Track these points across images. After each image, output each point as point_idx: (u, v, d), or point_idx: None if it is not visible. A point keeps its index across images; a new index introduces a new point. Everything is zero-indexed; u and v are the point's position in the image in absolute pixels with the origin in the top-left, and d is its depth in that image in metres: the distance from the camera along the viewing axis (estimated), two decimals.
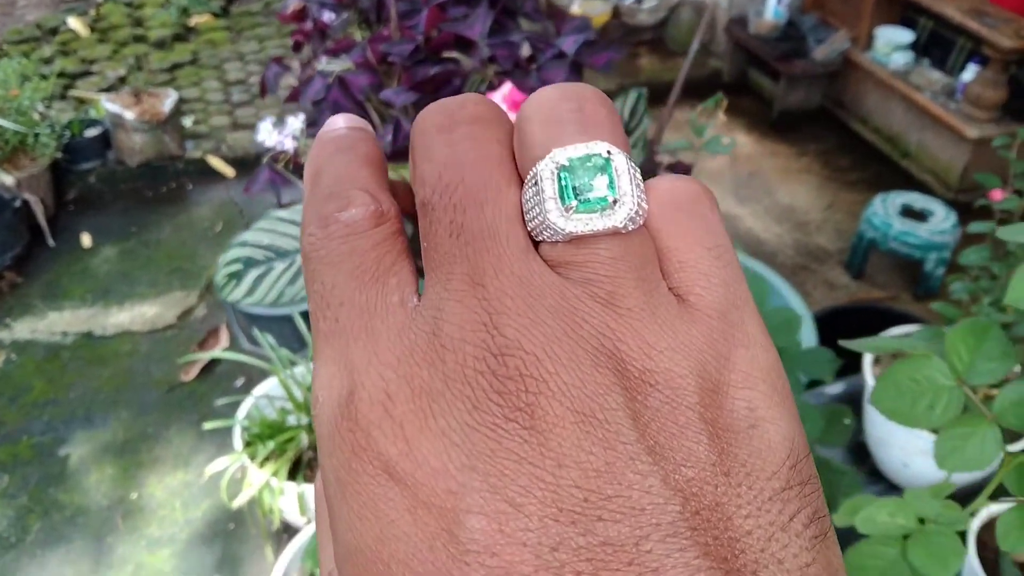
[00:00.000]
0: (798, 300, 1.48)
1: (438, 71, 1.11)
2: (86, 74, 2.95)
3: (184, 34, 3.25)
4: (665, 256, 0.17)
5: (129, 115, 2.27)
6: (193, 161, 2.41)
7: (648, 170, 1.24)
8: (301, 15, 1.51)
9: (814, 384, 1.22)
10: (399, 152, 1.16)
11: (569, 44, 1.21)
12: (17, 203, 2.08)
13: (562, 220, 0.16)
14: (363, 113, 1.23)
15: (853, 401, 1.24)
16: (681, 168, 1.47)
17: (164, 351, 1.83)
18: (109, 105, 2.29)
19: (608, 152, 0.17)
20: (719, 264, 0.17)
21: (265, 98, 1.48)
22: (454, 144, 0.17)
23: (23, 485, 1.59)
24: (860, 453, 1.17)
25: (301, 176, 1.32)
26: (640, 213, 0.17)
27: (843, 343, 0.41)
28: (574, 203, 0.16)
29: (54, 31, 3.27)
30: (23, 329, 1.92)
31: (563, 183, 0.16)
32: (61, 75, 2.84)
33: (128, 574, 1.42)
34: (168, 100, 2.36)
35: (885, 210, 1.91)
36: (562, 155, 0.16)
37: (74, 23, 3.28)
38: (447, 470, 0.14)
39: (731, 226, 2.21)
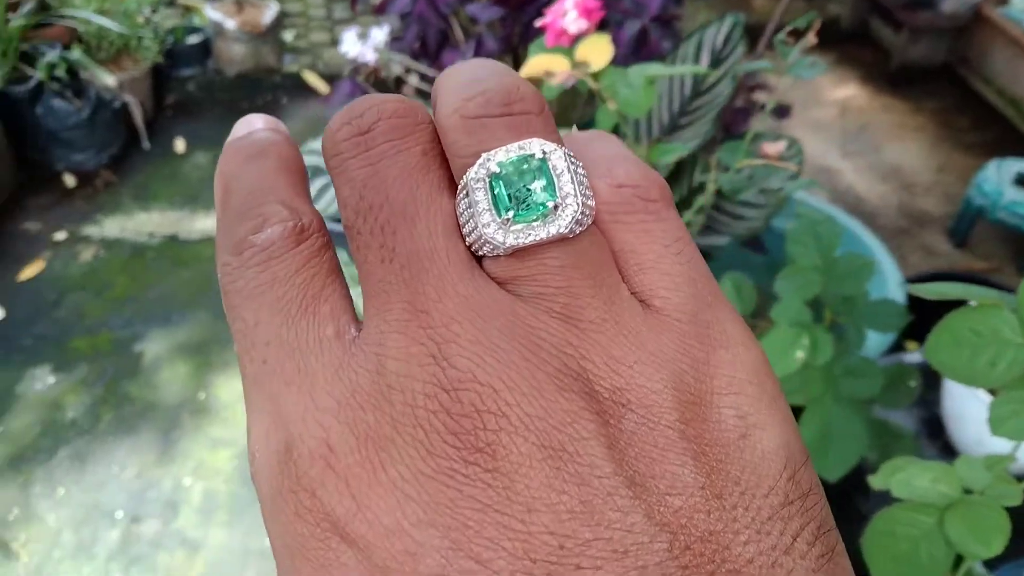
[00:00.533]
0: (892, 264, 1.40)
1: None
2: None
3: None
4: (621, 258, 0.15)
5: (230, 24, 2.29)
6: (290, 75, 2.42)
7: (743, 109, 1.18)
8: None
9: (893, 351, 1.15)
10: None
11: None
12: (117, 104, 2.13)
13: (501, 233, 0.14)
14: (447, 27, 1.20)
15: (934, 372, 1.16)
16: (783, 111, 1.39)
17: None
18: (212, 13, 2.31)
19: (543, 151, 0.15)
20: (681, 261, 0.15)
21: (356, 10, 1.46)
22: (372, 160, 0.15)
23: (99, 376, 1.66)
24: (935, 427, 1.10)
25: (382, 90, 1.30)
26: (587, 213, 0.15)
27: (911, 289, 0.37)
28: (511, 214, 0.14)
29: None
30: (113, 227, 1.99)
31: (496, 192, 0.15)
32: None
33: (189, 469, 1.47)
34: (268, 12, 2.37)
35: (998, 177, 1.77)
36: (492, 161, 0.15)
37: None
38: (402, 528, 0.12)
39: (830, 180, 2.10)
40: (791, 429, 0.15)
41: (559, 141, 0.16)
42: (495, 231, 0.14)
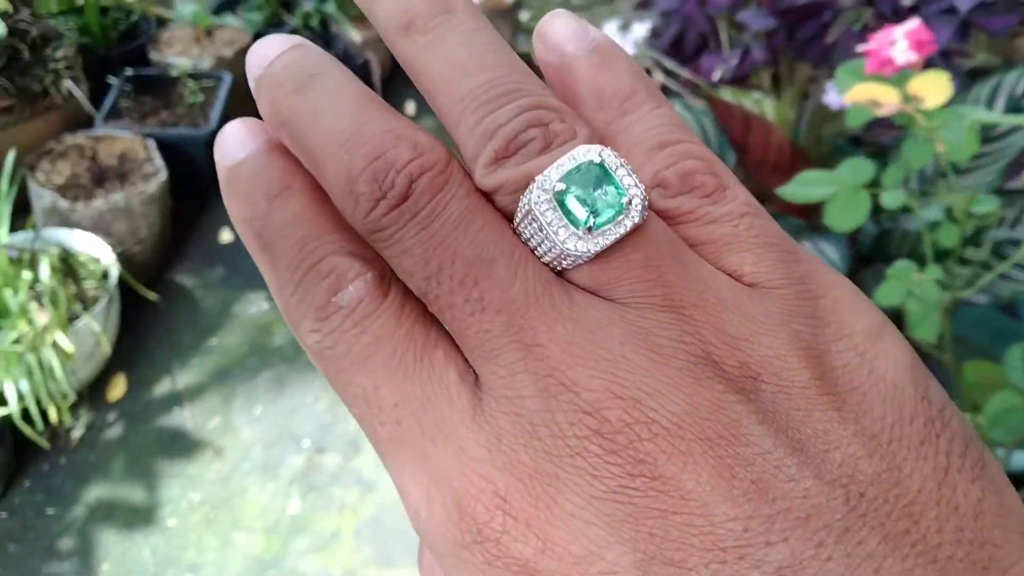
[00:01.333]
0: None
1: (808, 1, 1.02)
2: None
3: None
4: (696, 243, 0.15)
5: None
6: (520, 53, 2.47)
7: None
8: None
9: None
10: (741, 78, 1.09)
11: (965, 1, 1.07)
12: (359, 60, 2.24)
13: (584, 244, 0.14)
14: (712, 31, 1.17)
15: None
16: None
17: None
18: None
19: (598, 155, 0.14)
20: (754, 234, 0.15)
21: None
22: (424, 224, 0.14)
23: None
24: None
25: None
26: (647, 200, 0.15)
27: None
28: (593, 221, 0.14)
29: None
30: None
31: (566, 207, 0.14)
32: None
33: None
34: None
35: None
36: (552, 179, 0.14)
37: None
38: (592, 553, 0.13)
39: None
40: (907, 349, 0.15)
41: (589, 136, 0.15)
42: (576, 243, 0.14)
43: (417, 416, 0.14)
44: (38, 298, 1.43)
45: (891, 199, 0.58)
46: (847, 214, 0.59)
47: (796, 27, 1.05)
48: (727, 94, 0.93)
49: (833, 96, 1.01)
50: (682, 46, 1.24)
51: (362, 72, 2.26)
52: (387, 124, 0.15)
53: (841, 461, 0.13)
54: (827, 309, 0.15)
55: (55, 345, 1.39)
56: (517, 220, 0.15)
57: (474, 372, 0.15)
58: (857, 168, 0.61)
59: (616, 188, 0.15)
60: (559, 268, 0.15)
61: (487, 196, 0.15)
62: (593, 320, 0.14)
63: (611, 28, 1.23)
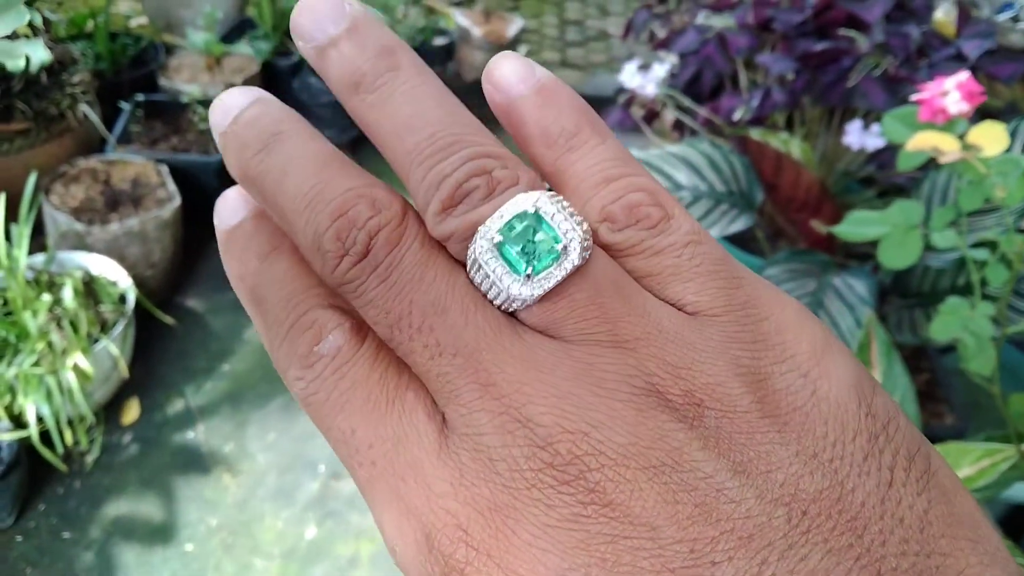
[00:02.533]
0: None
1: (828, 47, 1.07)
2: None
3: None
4: (640, 275, 0.16)
5: (476, 32, 2.40)
6: None
7: None
8: None
9: None
10: (761, 119, 1.14)
11: (971, 47, 1.13)
12: None
13: (527, 288, 0.15)
14: (732, 73, 1.23)
15: None
16: None
17: None
18: (461, 19, 2.44)
19: (533, 205, 0.15)
20: (696, 263, 0.16)
21: (625, 39, 1.51)
22: (383, 276, 0.16)
23: None
24: None
25: (649, 123, 1.34)
26: (587, 240, 0.16)
27: None
28: (530, 269, 0.15)
29: None
30: None
31: (507, 256, 0.15)
32: None
33: None
34: (513, 25, 2.48)
35: None
36: (492, 230, 0.15)
37: None
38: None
39: None
40: (851, 366, 0.15)
41: (531, 180, 0.16)
42: (520, 288, 0.15)
43: (389, 457, 0.15)
44: (58, 320, 1.44)
45: (942, 240, 0.62)
46: (901, 253, 0.64)
47: (816, 71, 1.10)
48: (756, 133, 0.97)
49: (854, 137, 1.07)
50: (699, 86, 1.29)
51: None
52: (348, 183, 0.16)
53: (783, 481, 0.14)
54: (769, 332, 0.15)
55: (75, 368, 1.40)
56: (468, 267, 0.16)
57: (441, 412, 0.16)
58: (907, 209, 0.66)
59: (552, 235, 0.15)
60: (510, 310, 0.16)
61: (441, 244, 0.17)
62: (542, 359, 0.15)
63: (631, 68, 1.28)
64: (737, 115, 1.18)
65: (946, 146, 0.56)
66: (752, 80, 1.25)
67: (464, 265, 0.16)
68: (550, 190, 0.17)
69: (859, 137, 1.07)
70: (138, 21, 2.39)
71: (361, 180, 0.17)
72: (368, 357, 0.16)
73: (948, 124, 0.62)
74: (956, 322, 0.60)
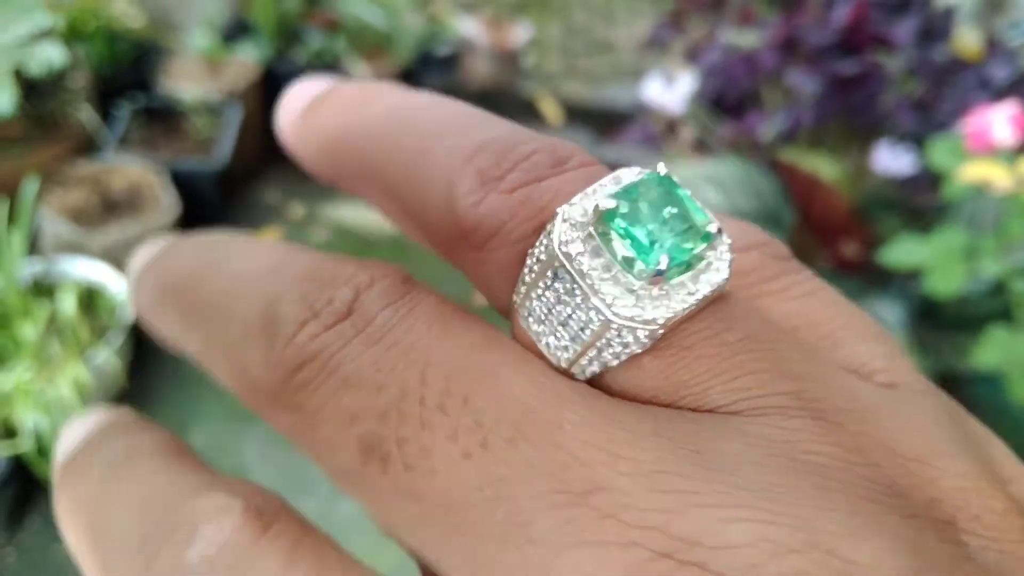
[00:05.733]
0: None
1: (858, 69, 1.06)
2: None
3: None
4: (799, 333, 0.12)
5: (482, 41, 2.38)
6: (523, 98, 2.50)
7: None
8: None
9: None
10: (790, 138, 1.13)
11: (998, 73, 1.12)
12: None
13: (642, 306, 0.09)
14: (756, 91, 1.21)
15: None
16: None
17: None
18: (466, 27, 2.42)
19: (659, 170, 0.10)
20: (855, 313, 0.13)
21: (644, 55, 1.49)
22: (379, 339, 0.11)
23: None
24: None
25: (674, 134, 1.32)
26: (731, 247, 0.11)
27: None
28: (665, 260, 0.09)
29: None
30: (347, 212, 2.10)
31: (611, 244, 0.09)
32: None
33: None
34: (521, 35, 2.46)
35: None
36: (597, 197, 0.10)
37: None
38: None
39: None
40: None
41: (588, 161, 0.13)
42: (632, 306, 0.09)
43: None
44: (56, 329, 1.40)
45: (988, 268, 0.60)
46: (947, 279, 0.62)
47: (846, 92, 1.09)
48: (787, 155, 0.95)
49: (884, 160, 1.05)
50: (722, 102, 1.27)
51: None
52: (311, 260, 0.12)
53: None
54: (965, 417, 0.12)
55: (73, 379, 1.36)
56: (528, 280, 0.11)
57: None
58: (952, 238, 0.64)
59: (695, 210, 0.10)
60: (587, 376, 0.11)
61: (470, 255, 0.12)
62: (681, 458, 0.10)
63: (656, 82, 1.26)
64: (763, 134, 1.16)
65: (998, 178, 0.54)
66: (776, 99, 1.24)
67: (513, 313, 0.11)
68: None
69: (888, 159, 1.05)
70: (135, 23, 2.35)
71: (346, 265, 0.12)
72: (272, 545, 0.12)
73: (996, 153, 0.61)
74: (1000, 350, 0.58)
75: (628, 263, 0.10)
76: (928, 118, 1.07)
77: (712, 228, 0.10)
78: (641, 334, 0.10)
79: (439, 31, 2.52)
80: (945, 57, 1.14)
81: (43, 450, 1.36)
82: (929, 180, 1.13)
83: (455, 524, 0.11)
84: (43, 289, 1.47)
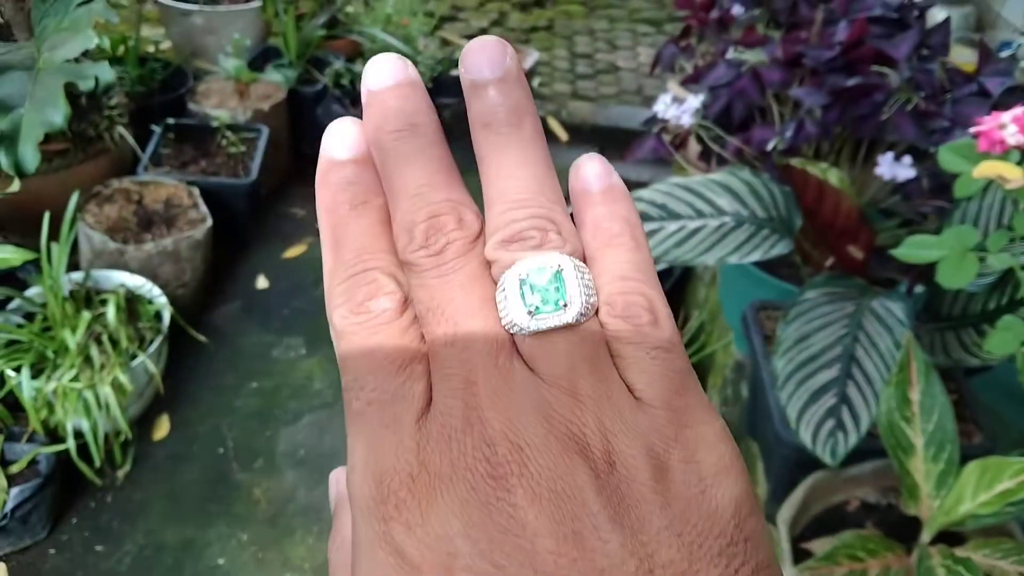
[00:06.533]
0: None
1: (859, 82, 1.13)
2: (453, 19, 3.23)
3: (544, 1, 3.46)
4: (614, 354, 0.19)
5: None
6: None
7: None
8: (710, 4, 1.58)
9: None
10: (794, 149, 1.20)
11: (994, 84, 1.19)
12: None
13: (526, 320, 0.19)
14: (763, 105, 1.28)
15: None
16: None
17: None
18: None
19: (559, 265, 0.19)
20: (657, 364, 0.19)
21: (652, 73, 1.56)
22: (443, 273, 0.19)
23: None
24: None
25: (681, 149, 1.39)
26: (588, 309, 0.19)
27: None
28: (534, 307, 0.19)
29: None
30: None
31: (523, 291, 0.19)
32: (429, 15, 3.13)
33: None
34: (528, 58, 2.54)
35: None
36: (523, 268, 0.19)
37: None
38: (448, 536, 0.17)
39: None
40: (743, 488, 0.18)
41: (574, 250, 0.20)
42: (522, 318, 0.19)
43: (382, 404, 0.19)
44: (97, 336, 1.47)
45: (998, 261, 0.66)
46: (958, 274, 0.68)
47: (849, 105, 1.16)
48: (797, 163, 1.02)
49: (885, 168, 1.12)
50: (729, 118, 1.34)
51: None
52: (449, 194, 0.20)
53: (647, 542, 0.16)
54: (688, 439, 0.18)
55: (113, 383, 1.43)
56: (498, 288, 0.19)
57: (431, 390, 0.19)
58: (962, 234, 0.70)
59: (562, 293, 0.19)
60: (511, 332, 0.19)
61: (489, 263, 0.20)
62: (516, 383, 0.18)
63: (665, 99, 1.33)
64: (770, 145, 1.23)
65: (1010, 174, 0.61)
66: (782, 112, 1.31)
67: (495, 284, 0.20)
68: (582, 268, 0.20)
69: (890, 168, 1.12)
70: (163, 47, 2.44)
71: (458, 196, 0.20)
72: (403, 325, 0.19)
73: (1005, 154, 0.67)
74: (1013, 338, 0.64)
75: (523, 301, 0.19)
76: (927, 128, 1.14)
77: (562, 303, 0.19)
78: (525, 330, 0.19)
79: (452, 55, 2.61)
80: (942, 70, 1.21)
81: (85, 451, 1.43)
82: (929, 187, 1.19)
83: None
84: (82, 299, 1.54)
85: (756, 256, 1.01)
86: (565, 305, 0.19)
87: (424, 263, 0.19)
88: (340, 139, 0.21)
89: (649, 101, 2.86)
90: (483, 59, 0.21)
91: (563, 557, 0.16)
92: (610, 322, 0.19)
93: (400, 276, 0.20)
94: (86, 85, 1.16)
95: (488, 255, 0.20)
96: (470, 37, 2.94)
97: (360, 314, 0.19)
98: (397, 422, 0.18)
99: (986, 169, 0.62)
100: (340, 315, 0.20)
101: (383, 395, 0.19)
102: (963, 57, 2.83)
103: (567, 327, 0.19)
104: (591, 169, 0.22)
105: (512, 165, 0.21)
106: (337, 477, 0.25)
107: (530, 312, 0.19)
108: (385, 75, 0.21)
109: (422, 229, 0.20)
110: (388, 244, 0.20)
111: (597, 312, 0.20)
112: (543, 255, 0.19)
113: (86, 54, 1.29)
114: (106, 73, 1.17)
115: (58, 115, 1.13)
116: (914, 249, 0.71)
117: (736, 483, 0.18)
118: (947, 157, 0.71)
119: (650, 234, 1.07)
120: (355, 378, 0.19)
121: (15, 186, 1.20)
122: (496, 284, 0.20)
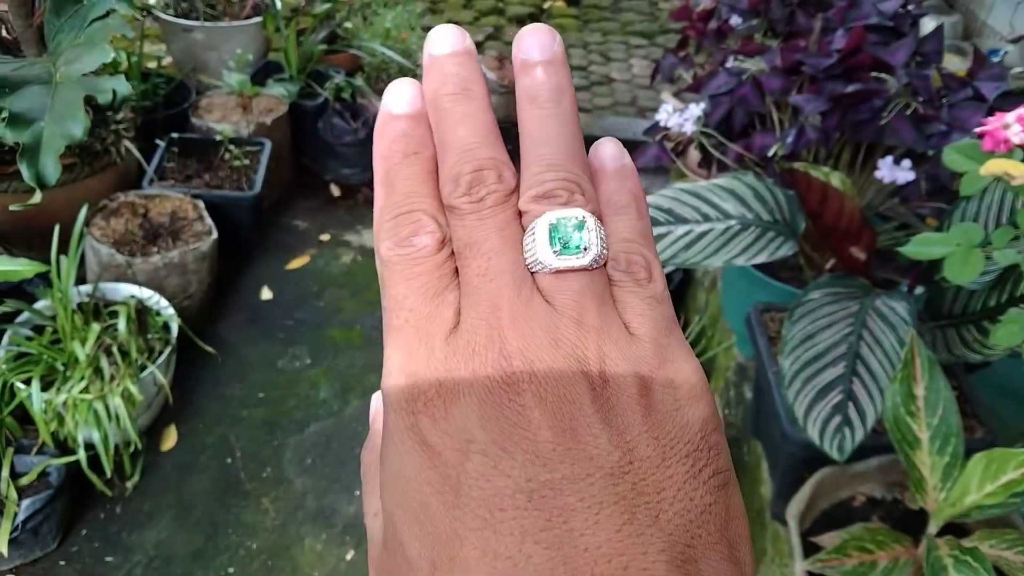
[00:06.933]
0: None
1: (859, 88, 1.15)
2: None
3: (538, 15, 3.50)
4: (615, 299, 0.23)
5: (491, 76, 2.49)
6: None
7: None
8: (708, 16, 1.61)
9: None
10: (795, 154, 1.22)
11: (989, 89, 1.22)
12: None
13: (551, 259, 0.21)
14: (765, 112, 1.31)
15: None
16: None
17: None
18: None
19: (583, 217, 0.22)
20: (651, 308, 0.22)
21: (653, 83, 1.59)
22: (483, 217, 0.22)
23: (350, 366, 1.82)
24: None
25: (681, 157, 1.41)
26: (601, 257, 0.22)
27: None
28: (559, 248, 0.22)
29: None
30: (370, 238, 2.19)
31: (552, 235, 0.22)
32: (426, 29, 3.16)
33: None
34: None
35: None
36: (553, 217, 0.22)
37: None
38: (466, 427, 0.20)
39: None
40: (710, 411, 0.22)
41: (594, 210, 0.23)
42: (547, 257, 0.21)
43: (417, 323, 0.21)
44: (106, 348, 1.48)
45: (1003, 257, 0.69)
46: (964, 270, 0.71)
47: (848, 110, 1.18)
48: (801, 166, 1.05)
49: (885, 171, 1.14)
50: (729, 125, 1.37)
51: None
52: (492, 152, 0.23)
53: (629, 439, 0.20)
54: (668, 369, 0.22)
55: (123, 393, 1.44)
56: (527, 232, 0.22)
57: (460, 314, 0.22)
58: (968, 231, 0.72)
59: (583, 240, 0.22)
60: (533, 271, 0.22)
61: (521, 213, 0.23)
62: (533, 310, 0.21)
63: (667, 108, 1.36)
64: (771, 151, 1.25)
65: (1016, 170, 0.63)
66: (781, 119, 1.33)
67: (523, 231, 0.23)
68: (600, 223, 0.23)
69: (890, 171, 1.14)
70: (165, 62, 2.46)
71: (500, 155, 0.23)
72: (439, 260, 0.22)
73: (1010, 152, 0.69)
74: (1019, 330, 0.67)
75: (551, 242, 0.22)
76: (925, 131, 1.17)
77: (583, 247, 0.22)
78: (548, 268, 0.22)
79: None
80: (938, 75, 1.24)
81: (94, 463, 1.44)
82: (927, 189, 1.22)
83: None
84: (90, 311, 1.55)
85: (762, 258, 1.03)
86: (584, 250, 0.22)
87: (466, 207, 0.22)
88: (399, 96, 0.24)
89: (644, 112, 2.89)
90: (535, 43, 0.25)
91: (560, 447, 0.19)
92: (615, 274, 0.23)
93: (441, 219, 0.23)
94: (104, 98, 1.18)
95: (521, 207, 0.23)
96: None
97: (404, 247, 0.22)
98: (430, 337, 0.21)
99: (993, 166, 0.64)
100: (386, 247, 0.22)
101: (419, 315, 0.21)
102: (952, 64, 2.87)
103: (582, 269, 0.22)
104: (607, 150, 0.26)
105: (549, 134, 0.24)
106: (377, 395, 0.28)
107: (555, 252, 0.21)
108: (446, 43, 0.24)
109: (467, 179, 0.23)
110: (433, 190, 0.23)
111: (606, 264, 0.23)
112: (570, 209, 0.22)
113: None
114: (123, 87, 1.19)
115: (78, 128, 1.14)
116: (921, 246, 0.73)
117: (705, 407, 0.22)
118: (953, 157, 0.74)
119: (658, 238, 1.09)
120: (395, 301, 0.22)
121: (37, 197, 1.22)
122: (524, 231, 0.22)
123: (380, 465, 0.22)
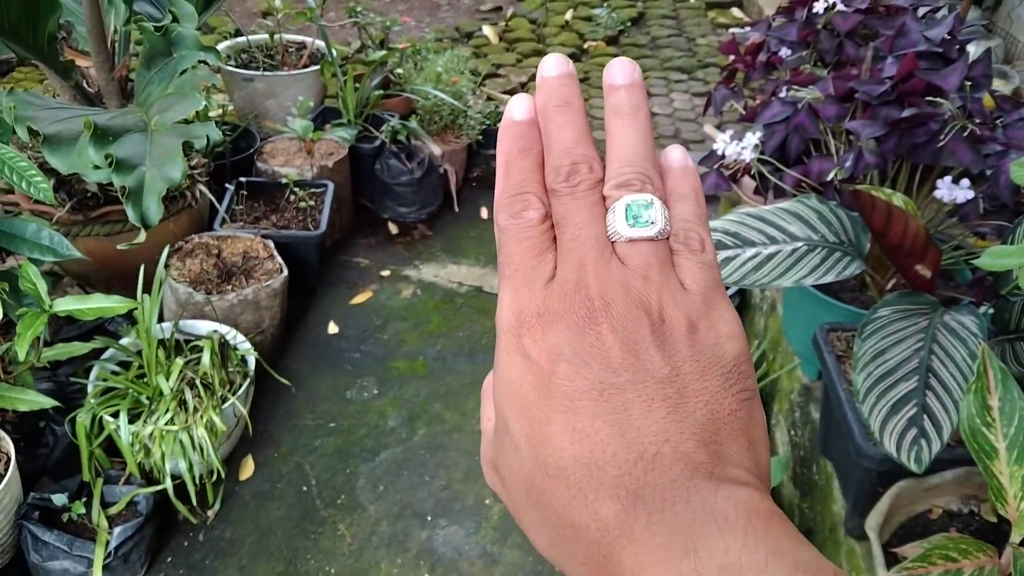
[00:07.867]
0: None
1: (915, 113, 1.20)
2: (494, 76, 3.36)
3: (579, 55, 3.59)
4: (675, 264, 0.28)
5: None
6: None
7: None
8: (757, 49, 1.67)
9: None
10: (853, 178, 1.26)
11: None
12: (440, 171, 2.43)
13: (626, 230, 0.27)
14: (822, 139, 1.35)
15: None
16: None
17: None
18: None
19: (652, 200, 0.28)
20: (703, 271, 0.27)
21: (705, 114, 1.64)
22: (577, 198, 0.28)
23: (415, 395, 1.87)
24: None
25: (736, 184, 1.46)
26: (665, 231, 0.28)
27: None
28: (632, 222, 0.27)
29: (469, 35, 3.75)
30: (428, 272, 2.26)
31: (627, 212, 0.27)
32: (475, 73, 3.26)
33: (490, 492, 1.63)
34: None
35: None
36: (629, 199, 0.28)
37: (487, 31, 3.73)
38: (557, 344, 0.25)
39: None
40: (744, 349, 0.27)
41: (661, 196, 0.28)
42: (623, 228, 0.27)
43: (524, 272, 0.27)
44: (190, 382, 1.55)
45: None
46: None
47: (905, 134, 1.22)
48: (866, 188, 1.09)
49: (944, 191, 1.18)
50: (785, 152, 1.41)
51: (442, 179, 2.45)
52: (586, 151, 0.29)
53: (678, 361, 0.25)
54: (713, 316, 0.27)
55: (207, 424, 1.50)
56: (608, 211, 0.28)
57: (556, 269, 0.27)
58: None
59: (651, 216, 0.27)
60: (612, 240, 0.27)
61: (604, 196, 0.29)
62: (611, 269, 0.26)
63: (724, 137, 1.41)
64: (830, 176, 1.30)
65: None
66: (837, 145, 1.38)
67: (606, 211, 0.28)
68: (666, 206, 0.29)
69: (949, 191, 1.18)
70: (229, 109, 2.57)
71: (592, 153, 0.29)
72: (542, 230, 0.28)
73: None
74: None
75: (626, 218, 0.27)
76: (981, 152, 1.21)
77: (651, 223, 0.27)
78: (623, 237, 0.27)
79: (497, 109, 2.72)
80: (989, 98, 1.27)
81: (178, 491, 1.50)
82: (985, 208, 1.25)
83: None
84: (172, 347, 1.62)
85: (830, 277, 1.07)
86: (652, 224, 0.27)
87: (564, 191, 0.28)
88: (519, 107, 0.31)
89: (687, 145, 2.95)
90: (619, 71, 0.31)
91: (625, 361, 0.25)
92: (676, 246, 0.28)
93: (545, 200, 0.28)
94: (199, 143, 1.26)
95: (605, 192, 0.28)
96: (511, 92, 3.06)
97: (517, 219, 0.28)
98: (533, 283, 0.27)
99: None
100: (503, 218, 0.28)
101: (526, 268, 0.27)
102: (997, 87, 2.89)
103: (650, 239, 0.27)
104: (674, 154, 0.31)
105: (629, 139, 0.30)
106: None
107: (629, 225, 0.27)
108: (553, 67, 0.31)
109: (566, 170, 0.28)
110: (540, 178, 0.29)
111: (668, 238, 0.28)
112: (642, 194, 0.28)
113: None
114: (215, 132, 1.27)
115: (176, 171, 1.23)
116: (995, 258, 0.77)
117: (739, 344, 0.27)
118: (1019, 172, 0.78)
119: (726, 261, 1.14)
120: (509, 257, 0.28)
121: (142, 237, 1.29)
122: (607, 210, 0.28)
123: (493, 378, 0.28)
